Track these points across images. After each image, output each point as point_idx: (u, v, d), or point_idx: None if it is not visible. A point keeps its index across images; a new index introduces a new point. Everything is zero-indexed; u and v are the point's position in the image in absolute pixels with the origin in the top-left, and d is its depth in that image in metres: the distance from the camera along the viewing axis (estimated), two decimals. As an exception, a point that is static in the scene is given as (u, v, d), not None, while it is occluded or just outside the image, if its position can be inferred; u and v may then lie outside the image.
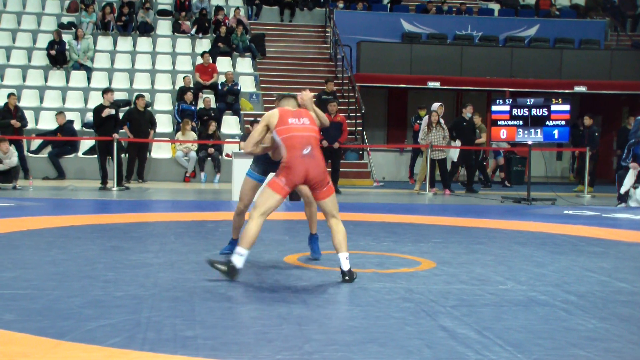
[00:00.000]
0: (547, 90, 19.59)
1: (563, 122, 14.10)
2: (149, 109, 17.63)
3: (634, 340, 4.36)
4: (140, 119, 16.29)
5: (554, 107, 13.97)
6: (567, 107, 14.21)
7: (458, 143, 16.41)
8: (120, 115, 15.58)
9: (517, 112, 14.32)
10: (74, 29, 20.89)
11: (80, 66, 19.92)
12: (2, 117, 16.07)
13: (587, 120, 17.10)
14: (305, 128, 5.99)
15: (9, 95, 16.38)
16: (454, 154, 16.69)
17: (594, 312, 5.05)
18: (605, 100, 22.27)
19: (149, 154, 17.34)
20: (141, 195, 13.96)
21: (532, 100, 14.21)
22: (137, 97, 16.63)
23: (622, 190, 13.50)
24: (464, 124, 16.46)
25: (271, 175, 6.53)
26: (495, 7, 25.37)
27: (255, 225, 5.81)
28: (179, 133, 17.51)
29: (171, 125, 18.69)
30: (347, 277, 5.84)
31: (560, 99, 14.37)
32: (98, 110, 14.85)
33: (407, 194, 15.73)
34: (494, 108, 15.04)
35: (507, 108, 14.40)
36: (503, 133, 14.61)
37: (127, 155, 16.23)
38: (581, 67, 21.11)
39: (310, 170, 5.90)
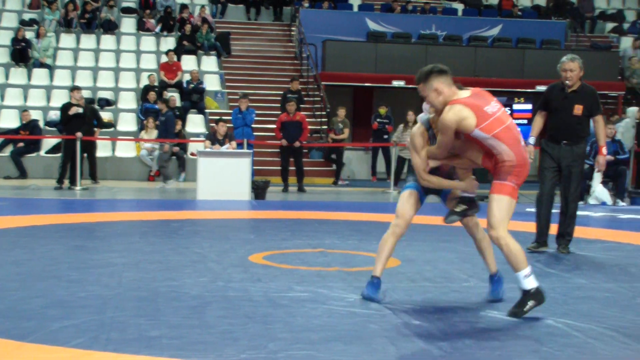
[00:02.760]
0: (510, 90, 19.76)
1: (525, 121, 14.24)
2: (94, 105, 17.29)
3: (593, 335, 4.44)
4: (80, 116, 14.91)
5: (516, 106, 14.14)
6: (529, 107, 14.38)
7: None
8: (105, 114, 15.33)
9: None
10: (36, 26, 20.68)
11: (40, 64, 19.73)
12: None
13: None
14: (506, 113, 4.88)
15: None
16: None
17: (555, 308, 5.12)
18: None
19: (94, 152, 15.97)
20: (105, 194, 13.86)
21: (546, 90, 14.34)
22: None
23: (592, 189, 13.65)
24: None
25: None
26: (459, 6, 25.56)
27: (515, 242, 4.91)
28: (143, 132, 17.42)
29: (135, 123, 18.58)
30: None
31: (522, 98, 14.53)
32: (65, 108, 14.72)
33: (372, 192, 15.80)
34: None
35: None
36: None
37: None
38: (543, 66, 21.30)
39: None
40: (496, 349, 4.13)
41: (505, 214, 4.84)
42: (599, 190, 13.53)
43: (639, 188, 15.79)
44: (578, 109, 7.53)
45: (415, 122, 17.09)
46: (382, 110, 18.17)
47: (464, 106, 4.74)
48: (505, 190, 4.83)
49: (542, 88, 20.94)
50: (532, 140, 7.74)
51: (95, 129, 15.53)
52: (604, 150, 7.77)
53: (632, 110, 16.82)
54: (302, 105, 18.17)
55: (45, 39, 19.99)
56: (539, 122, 7.85)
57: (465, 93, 4.89)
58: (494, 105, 4.80)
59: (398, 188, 15.72)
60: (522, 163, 4.82)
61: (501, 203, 4.83)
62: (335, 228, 9.27)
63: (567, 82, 7.63)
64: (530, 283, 4.84)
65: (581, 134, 7.64)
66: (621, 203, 13.62)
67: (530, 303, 4.80)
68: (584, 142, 7.72)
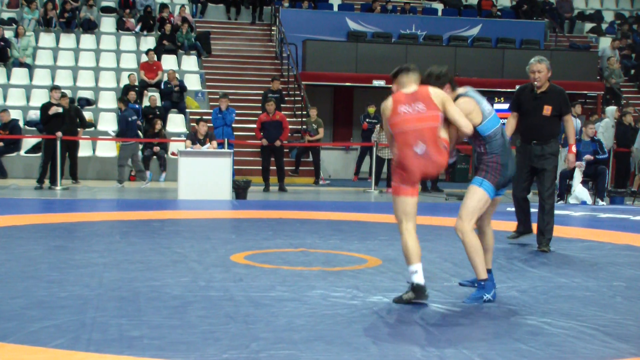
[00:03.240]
0: (489, 89, 19.85)
1: (505, 121, 14.30)
2: (76, 104, 17.22)
3: (574, 334, 4.47)
4: (60, 115, 14.83)
5: (496, 106, 14.20)
6: (508, 106, 14.43)
7: None
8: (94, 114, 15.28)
9: (461, 111, 14.48)
10: (15, 25, 20.54)
11: (20, 64, 19.60)
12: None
13: None
14: (419, 118, 5.07)
15: None
16: None
17: (536, 307, 5.15)
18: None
19: (76, 152, 15.83)
20: (86, 194, 13.79)
21: (517, 91, 14.41)
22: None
23: (572, 189, 13.72)
24: None
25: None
26: (439, 6, 25.65)
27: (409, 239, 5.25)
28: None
29: (115, 123, 18.49)
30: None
31: (502, 98, 14.60)
32: (45, 107, 14.64)
33: (353, 191, 15.81)
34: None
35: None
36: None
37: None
38: (522, 66, 21.10)
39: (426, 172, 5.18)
40: (478, 348, 4.15)
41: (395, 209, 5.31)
42: (579, 190, 13.60)
43: (618, 188, 15.92)
44: (547, 110, 7.71)
45: None
46: (372, 109, 18.19)
47: (390, 98, 5.20)
48: (393, 191, 5.30)
49: (521, 88, 21.14)
50: None
51: (79, 129, 15.50)
52: (574, 148, 7.92)
53: (610, 109, 16.93)
54: (282, 105, 18.16)
55: (24, 39, 19.87)
56: (511, 123, 8.02)
57: (410, 89, 5.17)
58: (413, 107, 5.07)
59: (378, 188, 15.75)
60: (403, 166, 5.10)
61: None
62: (316, 228, 9.27)
63: (535, 83, 7.79)
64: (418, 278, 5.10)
65: (551, 134, 7.81)
66: (601, 202, 13.72)
67: (409, 295, 5.10)
68: (555, 141, 7.86)
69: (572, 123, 7.92)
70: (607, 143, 15.73)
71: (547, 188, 7.85)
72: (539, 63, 7.77)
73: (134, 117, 15.80)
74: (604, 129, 15.98)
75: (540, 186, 7.90)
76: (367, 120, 18.25)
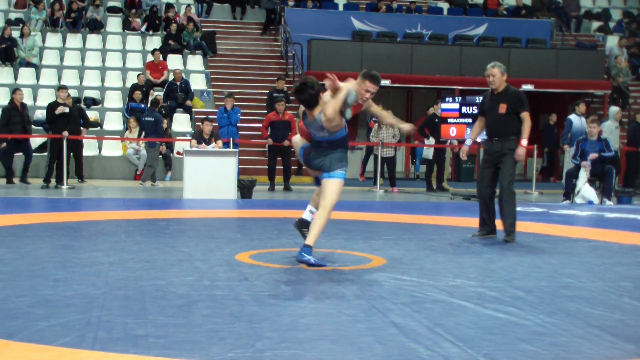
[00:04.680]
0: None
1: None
2: (81, 104, 17.24)
3: (580, 334, 4.45)
4: (66, 115, 14.95)
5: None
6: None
7: (432, 141, 16.26)
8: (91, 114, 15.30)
9: (466, 110, 14.49)
10: (22, 25, 20.59)
11: (27, 64, 19.64)
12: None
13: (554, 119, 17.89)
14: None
15: None
16: (428, 152, 16.52)
17: (542, 307, 5.14)
18: (552, 99, 22.63)
19: (78, 151, 15.78)
20: (92, 193, 13.81)
21: (481, 98, 14.37)
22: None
23: (577, 189, 13.68)
24: (436, 120, 16.03)
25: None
26: (445, 5, 25.63)
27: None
28: (127, 131, 17.38)
29: (121, 123, 18.54)
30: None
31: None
32: (52, 107, 14.67)
33: (358, 191, 15.81)
34: (443, 106, 15.21)
35: (456, 106, 14.57)
36: (453, 131, 14.79)
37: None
38: (528, 65, 21.40)
39: None
40: (483, 348, 4.14)
41: None
42: (586, 189, 13.56)
43: (626, 187, 15.84)
44: (502, 108, 8.43)
45: None
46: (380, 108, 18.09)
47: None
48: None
49: (527, 87, 21.10)
50: (468, 142, 8.87)
51: (82, 128, 15.50)
52: (524, 142, 8.37)
53: (613, 110, 16.70)
54: (287, 105, 18.14)
55: (30, 38, 19.91)
56: (477, 125, 8.90)
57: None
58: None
59: (384, 188, 15.75)
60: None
61: None
62: (321, 227, 9.25)
63: (491, 85, 8.61)
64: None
65: (510, 131, 8.42)
66: (608, 202, 13.65)
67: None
68: (516, 138, 8.39)
69: (529, 120, 8.46)
70: (614, 145, 15.63)
71: (505, 177, 8.41)
72: (492, 68, 8.58)
73: (160, 118, 15.94)
74: (608, 132, 15.83)
75: (501, 177, 8.47)
76: (374, 119, 18.21)
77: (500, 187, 8.47)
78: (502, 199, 8.42)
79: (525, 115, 8.40)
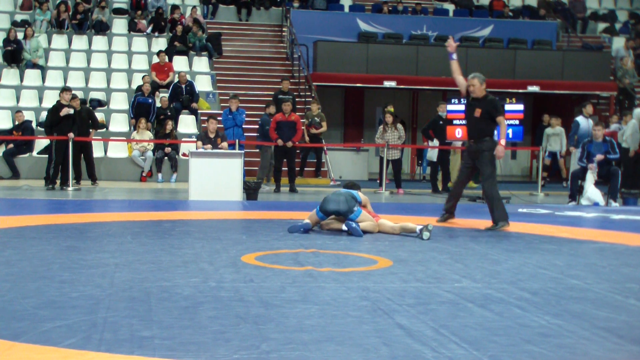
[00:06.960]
0: (501, 90, 19.83)
1: (517, 122, 14.28)
2: (87, 106, 17.28)
3: (586, 336, 4.45)
4: (72, 117, 14.88)
5: (508, 107, 14.14)
6: (520, 107, 14.40)
7: (436, 143, 16.22)
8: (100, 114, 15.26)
9: (472, 112, 14.43)
10: (26, 27, 20.65)
11: (33, 65, 19.69)
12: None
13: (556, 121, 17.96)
14: None
15: None
16: (432, 153, 16.48)
17: (547, 308, 5.13)
18: (557, 100, 22.61)
19: (92, 153, 16.03)
20: (97, 195, 13.83)
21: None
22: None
23: (584, 190, 13.63)
24: (440, 122, 15.98)
25: None
26: (450, 7, 25.61)
27: None
28: (135, 132, 17.40)
29: (127, 124, 18.56)
30: None
31: (514, 99, 14.56)
32: (56, 108, 14.69)
33: (363, 192, 15.78)
34: (449, 107, 15.19)
35: (462, 107, 14.53)
36: (458, 132, 14.77)
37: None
38: (534, 67, 21.40)
39: None
40: (488, 350, 4.13)
41: None
42: (591, 191, 13.53)
43: (633, 189, 15.77)
44: (477, 112, 9.53)
45: (393, 122, 17.24)
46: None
47: None
48: None
49: (533, 88, 21.12)
50: (454, 56, 9.94)
51: (91, 129, 15.58)
52: (503, 142, 9.50)
53: (638, 111, 16.51)
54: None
55: (33, 40, 19.95)
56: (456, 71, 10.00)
57: None
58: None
59: (390, 189, 15.74)
60: None
61: None
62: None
63: (472, 94, 9.64)
64: None
65: (484, 133, 9.55)
66: (614, 204, 13.61)
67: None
68: (490, 139, 9.54)
69: (504, 124, 9.64)
70: (635, 145, 15.54)
71: (483, 174, 9.64)
72: (472, 79, 9.57)
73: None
74: (632, 131, 15.66)
75: (482, 179, 9.72)
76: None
77: (482, 188, 9.90)
78: (486, 195, 9.75)
79: (501, 120, 9.53)
